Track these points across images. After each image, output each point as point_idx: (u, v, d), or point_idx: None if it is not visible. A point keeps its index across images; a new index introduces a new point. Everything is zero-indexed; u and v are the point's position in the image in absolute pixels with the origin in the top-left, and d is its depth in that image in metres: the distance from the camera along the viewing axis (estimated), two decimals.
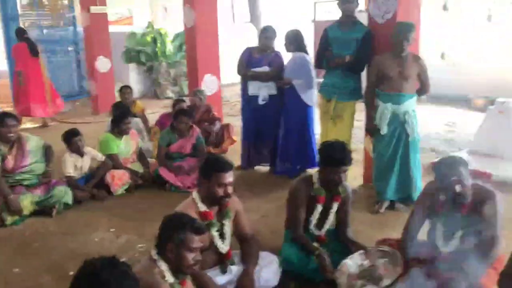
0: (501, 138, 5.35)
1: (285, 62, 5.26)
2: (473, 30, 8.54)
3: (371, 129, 4.38)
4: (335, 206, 3.19)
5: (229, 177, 2.83)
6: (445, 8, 4.35)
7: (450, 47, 8.33)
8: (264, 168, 5.58)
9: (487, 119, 5.54)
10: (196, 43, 6.62)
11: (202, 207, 2.86)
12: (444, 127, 7.50)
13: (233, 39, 11.10)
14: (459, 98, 8.87)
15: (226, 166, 2.84)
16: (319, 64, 4.79)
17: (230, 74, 7.55)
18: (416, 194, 4.38)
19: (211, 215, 2.89)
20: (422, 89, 4.35)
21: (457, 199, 2.79)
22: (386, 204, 4.37)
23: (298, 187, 3.15)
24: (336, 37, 4.62)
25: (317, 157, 5.11)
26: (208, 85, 6.70)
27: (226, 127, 6.33)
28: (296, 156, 5.24)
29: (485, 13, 5.76)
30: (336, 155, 2.99)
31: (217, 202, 2.88)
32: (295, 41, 5.07)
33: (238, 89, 6.39)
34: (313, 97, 5.14)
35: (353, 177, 4.91)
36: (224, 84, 7.90)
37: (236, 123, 6.53)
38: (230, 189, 2.84)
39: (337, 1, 4.61)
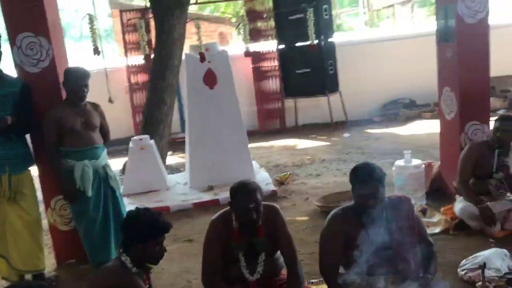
0: (149, 172, 5.59)
1: None
2: None
3: (73, 195, 3.67)
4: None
5: None
6: (96, 52, 4.10)
7: None
8: None
9: (130, 158, 5.63)
10: None
11: None
12: None
13: None
14: None
15: None
16: None
17: None
18: None
19: None
20: (105, 138, 4.02)
21: (253, 225, 2.82)
22: None
23: (125, 279, 2.31)
24: None
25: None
26: None
27: None
28: None
29: None
30: (159, 223, 2.40)
31: None
32: None
33: None
34: None
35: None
36: None
37: None
38: None
39: None
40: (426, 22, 15.95)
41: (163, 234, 2.44)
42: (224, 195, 5.27)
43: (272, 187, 5.38)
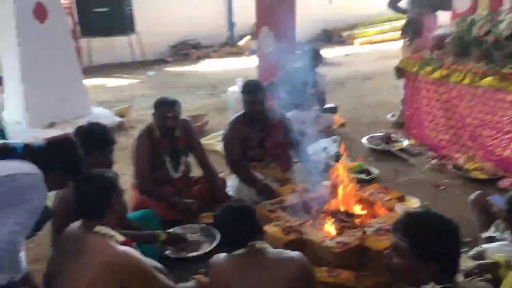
0: None
1: None
2: None
3: None
4: None
5: None
6: None
7: None
8: None
9: None
10: None
11: None
12: None
13: None
14: None
15: None
16: None
17: None
18: None
19: None
20: None
21: (172, 132, 3.48)
22: None
23: None
24: None
25: None
26: None
27: None
28: None
29: None
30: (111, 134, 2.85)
31: None
32: None
33: None
34: None
35: None
36: None
37: None
38: None
39: None
40: None
41: (114, 144, 2.85)
42: (70, 129, 5.35)
43: (118, 118, 5.69)
